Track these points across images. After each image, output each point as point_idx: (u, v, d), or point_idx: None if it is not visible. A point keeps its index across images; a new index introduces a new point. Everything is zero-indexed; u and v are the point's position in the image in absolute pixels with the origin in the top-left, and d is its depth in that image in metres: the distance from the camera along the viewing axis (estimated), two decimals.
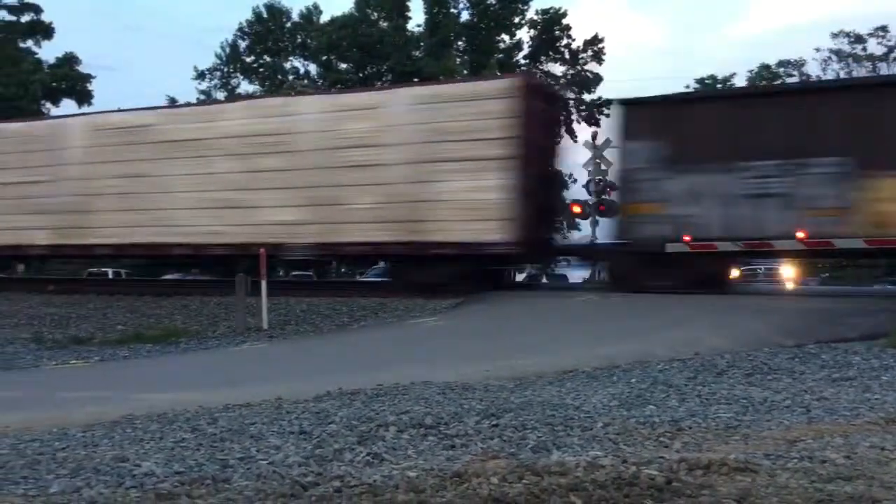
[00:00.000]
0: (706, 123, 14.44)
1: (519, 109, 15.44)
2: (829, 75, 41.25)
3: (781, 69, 42.81)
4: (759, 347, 9.80)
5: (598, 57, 43.39)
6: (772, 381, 7.63)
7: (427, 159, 16.03)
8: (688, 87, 41.30)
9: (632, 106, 15.48)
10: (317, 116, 17.38)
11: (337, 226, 16.85)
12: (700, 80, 42.99)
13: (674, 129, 14.60)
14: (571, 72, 43.83)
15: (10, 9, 42.49)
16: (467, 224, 15.65)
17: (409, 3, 42.12)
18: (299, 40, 43.89)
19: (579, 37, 43.60)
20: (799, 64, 42.86)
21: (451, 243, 15.84)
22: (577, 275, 32.03)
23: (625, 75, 75.86)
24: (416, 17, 43.16)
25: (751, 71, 43.34)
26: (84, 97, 41.75)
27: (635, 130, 15.05)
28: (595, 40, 43.22)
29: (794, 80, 41.61)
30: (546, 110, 16.37)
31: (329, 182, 16.90)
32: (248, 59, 44.65)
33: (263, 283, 14.61)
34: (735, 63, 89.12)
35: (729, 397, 6.72)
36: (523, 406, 6.33)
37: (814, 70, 42.45)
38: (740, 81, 42.75)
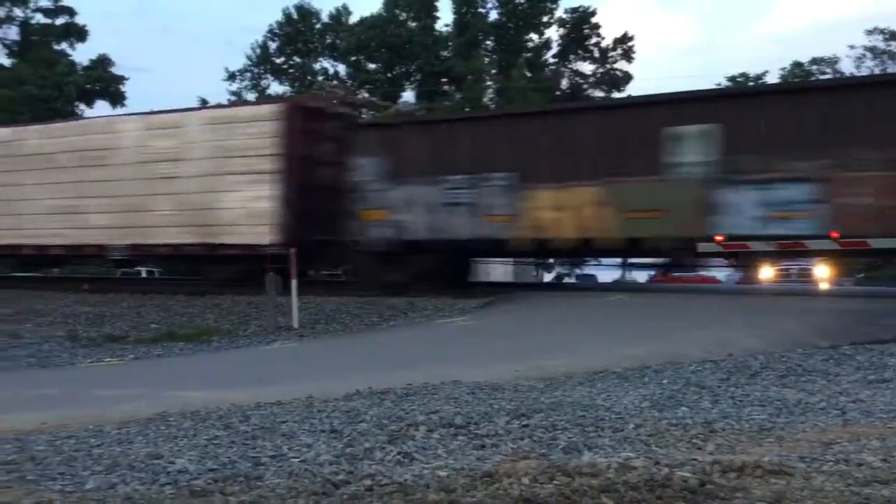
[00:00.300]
0: (416, 144, 16.88)
1: (283, 130, 17.80)
2: (864, 72, 40.62)
3: (814, 67, 42.23)
4: (793, 348, 9.66)
5: (627, 55, 43.13)
6: (806, 382, 7.53)
7: (217, 172, 18.43)
8: (718, 84, 40.93)
9: (361, 128, 18.30)
10: (133, 134, 19.91)
11: (147, 229, 19.35)
12: (731, 78, 42.54)
13: (393, 148, 17.01)
14: (601, 70, 43.59)
15: (45, 12, 43.23)
16: (247, 228, 18.06)
17: (437, 3, 42.16)
18: (328, 41, 44.11)
19: (609, 35, 43.36)
20: (832, 61, 42.27)
21: (236, 245, 18.24)
22: (606, 275, 31.87)
23: (654, 74, 75.27)
24: (445, 17, 43.21)
25: (783, 69, 42.83)
26: (117, 98, 42.31)
27: (364, 149, 17.31)
28: (625, 38, 42.96)
29: (828, 76, 41.05)
30: (315, 129, 18.40)
31: (141, 192, 19.38)
32: (278, 61, 44.94)
33: (294, 283, 14.73)
34: (767, 61, 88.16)
35: (763, 399, 6.65)
36: (553, 406, 6.31)
37: (848, 67, 41.84)
38: (773, 79, 42.26)
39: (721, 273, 25.63)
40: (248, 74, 44.76)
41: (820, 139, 13.44)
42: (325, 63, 44.96)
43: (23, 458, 5.27)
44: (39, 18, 43.50)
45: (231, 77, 44.52)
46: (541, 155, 15.50)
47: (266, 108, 18.80)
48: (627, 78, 43.03)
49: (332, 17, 44.00)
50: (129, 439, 5.80)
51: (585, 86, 43.50)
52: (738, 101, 15.39)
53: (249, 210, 17.97)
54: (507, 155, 15.77)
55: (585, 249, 16.28)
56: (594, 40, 43.24)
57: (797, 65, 42.35)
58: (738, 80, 42.16)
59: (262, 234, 17.73)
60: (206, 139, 18.61)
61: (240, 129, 18.26)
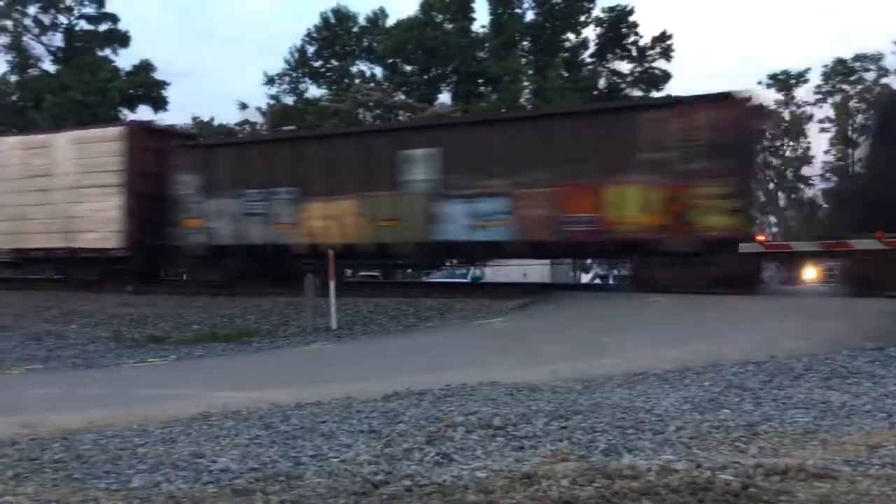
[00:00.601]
0: (223, 163, 19.60)
1: (125, 149, 20.64)
2: None
3: (857, 63, 41.48)
4: (838, 350, 9.48)
5: (666, 54, 42.71)
6: (851, 384, 7.38)
7: (78, 186, 21.20)
8: (759, 82, 40.60)
9: (183, 148, 20.68)
10: (16, 153, 22.65)
11: (27, 235, 22.03)
12: (772, 76, 42.03)
13: (206, 165, 19.67)
14: (639, 69, 43.21)
15: (89, 18, 44.10)
16: (100, 234, 20.78)
17: (473, 5, 42.13)
18: (365, 44, 44.35)
19: (647, 34, 42.96)
20: (876, 58, 41.46)
21: (91, 248, 20.95)
22: None
23: (695, 71, 74.33)
24: (481, 18, 43.15)
25: (825, 66, 42.12)
26: (159, 103, 43.02)
27: (186, 166, 19.93)
28: (663, 37, 42.55)
29: (871, 74, 40.38)
30: (156, 148, 20.95)
31: (21, 203, 22.12)
32: (316, 64, 45.30)
33: (332, 284, 14.84)
34: (809, 58, 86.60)
35: (806, 401, 6.53)
36: (592, 408, 6.27)
37: (892, 63, 41.01)
38: (815, 76, 41.63)
39: (763, 273, 25.23)
40: (287, 78, 45.20)
41: (508, 161, 16.08)
42: (362, 66, 45.26)
43: (70, 456, 5.38)
44: (83, 25, 44.41)
45: (270, 81, 45.01)
46: (315, 173, 18.20)
47: (114, 130, 21.74)
48: (666, 76, 42.64)
49: (368, 20, 44.27)
50: (173, 438, 5.89)
51: (623, 85, 43.17)
52: (452, 129, 18.19)
53: (101, 218, 20.75)
54: (290, 172, 18.49)
55: (349, 253, 18.60)
56: (632, 39, 42.90)
57: (840, 62, 41.63)
58: (780, 77, 41.60)
59: (110, 239, 20.66)
60: (71, 157, 21.56)
61: (95, 148, 21.13)
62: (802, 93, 42.40)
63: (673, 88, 41.66)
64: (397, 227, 17.19)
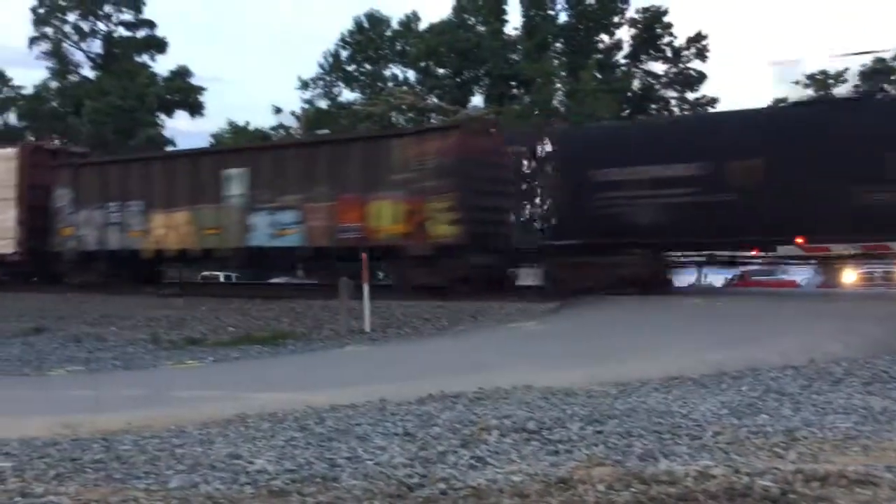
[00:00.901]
0: (89, 179, 22.61)
1: (19, 167, 23.83)
2: None
3: None
4: (878, 354, 9.33)
5: (701, 54, 42.21)
6: (892, 389, 7.26)
7: None
8: (797, 83, 39.94)
9: (59, 165, 23.61)
10: None
11: None
12: (810, 76, 41.32)
13: (77, 181, 22.75)
14: (674, 70, 42.79)
15: (127, 25, 44.86)
16: (2, 242, 23.72)
17: (506, 7, 42.03)
18: (398, 48, 44.49)
19: (682, 34, 42.48)
20: None
21: None
22: (682, 278, 31.12)
23: (730, 71, 73.43)
24: (514, 20, 42.99)
25: (863, 65, 41.33)
26: (196, 108, 43.58)
27: (62, 181, 22.99)
28: (698, 37, 42.06)
29: None
30: (49, 165, 23.72)
31: None
32: (349, 68, 45.52)
33: (366, 287, 14.90)
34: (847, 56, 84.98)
35: (846, 406, 6.44)
36: (628, 413, 6.23)
37: None
38: (853, 77, 40.86)
39: (800, 276, 24.92)
40: (321, 82, 45.46)
41: (300, 179, 18.78)
42: (395, 69, 45.36)
43: (110, 457, 5.47)
44: (122, 32, 45.15)
45: (304, 85, 45.31)
46: (158, 188, 21.08)
47: (11, 150, 24.73)
48: (701, 77, 42.14)
49: (401, 23, 44.37)
50: (210, 440, 5.96)
51: (657, 86, 42.77)
52: (260, 152, 21.35)
53: (2, 227, 23.70)
54: (140, 188, 21.44)
55: (183, 257, 21.33)
56: (667, 40, 42.46)
57: (879, 60, 40.85)
58: (818, 77, 40.92)
59: (8, 245, 23.73)
60: None
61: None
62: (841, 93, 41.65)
63: (709, 90, 41.18)
64: (219, 235, 20.06)
